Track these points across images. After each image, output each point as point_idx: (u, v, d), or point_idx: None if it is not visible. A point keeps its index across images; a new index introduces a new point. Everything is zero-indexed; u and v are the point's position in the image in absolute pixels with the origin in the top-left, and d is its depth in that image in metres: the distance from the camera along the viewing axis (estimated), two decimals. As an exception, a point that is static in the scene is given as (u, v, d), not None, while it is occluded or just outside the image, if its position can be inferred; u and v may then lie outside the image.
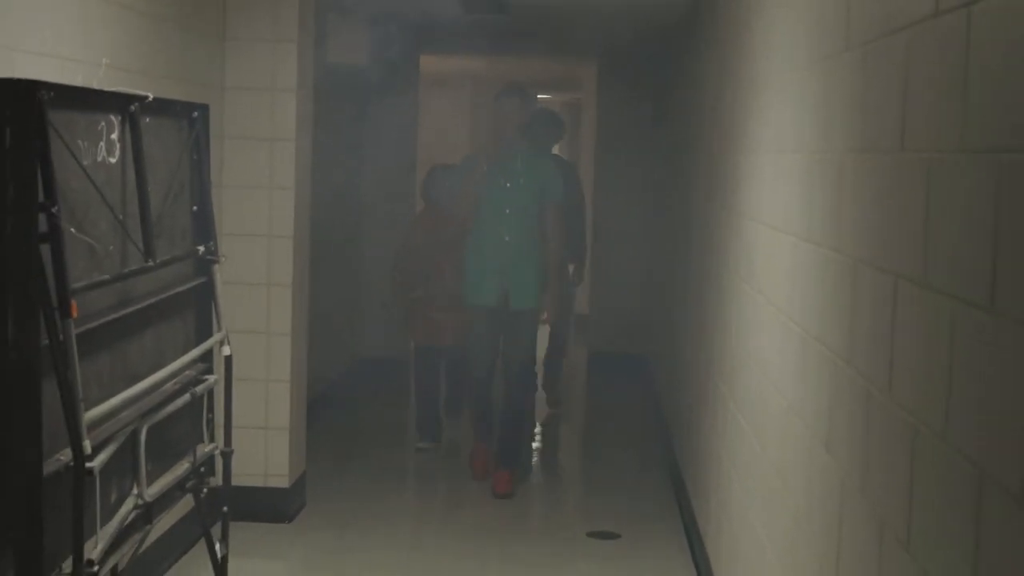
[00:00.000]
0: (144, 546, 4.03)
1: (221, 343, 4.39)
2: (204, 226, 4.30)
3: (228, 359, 4.41)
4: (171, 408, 3.90)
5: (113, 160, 3.47)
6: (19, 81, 2.87)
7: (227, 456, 4.44)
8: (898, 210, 2.19)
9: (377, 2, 7.52)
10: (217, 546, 4.41)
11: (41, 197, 2.87)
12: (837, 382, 2.65)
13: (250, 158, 5.63)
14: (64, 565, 3.08)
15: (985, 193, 1.73)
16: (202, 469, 4.27)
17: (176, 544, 5.16)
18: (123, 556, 3.60)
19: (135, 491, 3.60)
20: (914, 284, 2.08)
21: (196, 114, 4.24)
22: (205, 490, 4.30)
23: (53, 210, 2.88)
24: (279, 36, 5.64)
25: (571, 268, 8.46)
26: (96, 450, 3.14)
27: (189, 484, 4.15)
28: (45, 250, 2.91)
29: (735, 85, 4.71)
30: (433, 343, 7.38)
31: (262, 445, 5.76)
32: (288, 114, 5.67)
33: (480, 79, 13.47)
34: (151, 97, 3.69)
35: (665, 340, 7.77)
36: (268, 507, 5.75)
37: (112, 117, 3.46)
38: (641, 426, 8.19)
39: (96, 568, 3.11)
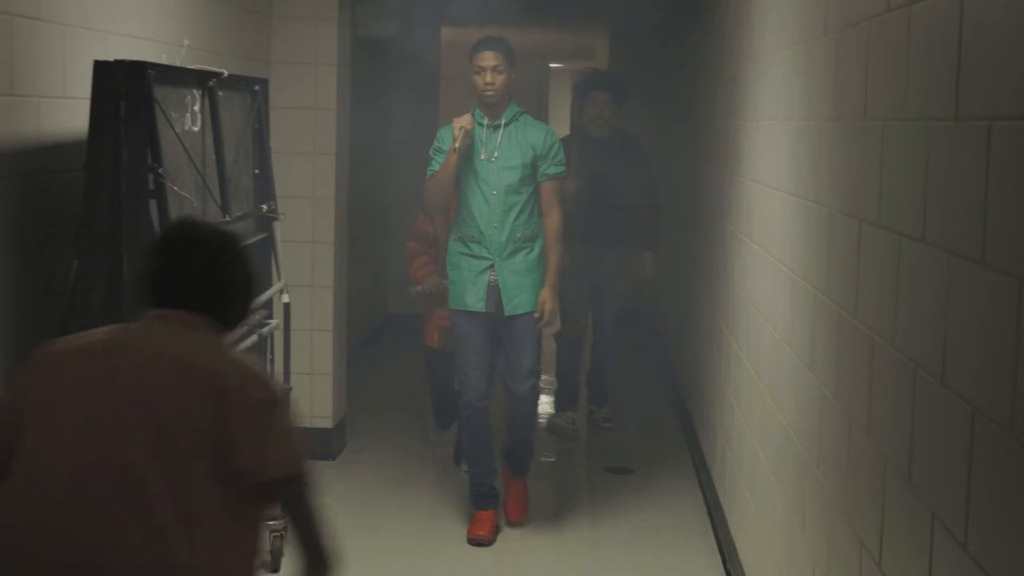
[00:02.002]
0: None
1: (281, 292, 4.94)
2: (265, 187, 4.85)
3: (287, 306, 4.97)
4: (241, 347, 4.45)
5: (196, 129, 4.01)
6: (132, 62, 3.42)
7: (287, 392, 5.00)
8: (860, 166, 2.73)
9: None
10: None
11: (150, 160, 3.42)
12: (817, 311, 3.20)
13: (295, 126, 6.16)
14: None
15: (920, 151, 2.27)
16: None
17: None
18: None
19: (215, 416, 4.15)
20: (872, 225, 2.62)
21: (258, 87, 4.78)
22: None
23: (159, 171, 3.43)
24: (320, 14, 6.18)
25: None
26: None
27: (255, 415, 4.71)
28: (152, 205, 3.46)
29: (737, 57, 5.23)
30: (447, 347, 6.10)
31: (308, 389, 6.30)
32: (329, 86, 6.22)
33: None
34: (226, 73, 4.24)
35: (675, 297, 8.27)
36: (314, 446, 6.31)
37: (195, 91, 4.00)
38: (652, 376, 8.73)
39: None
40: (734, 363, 4.92)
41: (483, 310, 5.29)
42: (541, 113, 14.89)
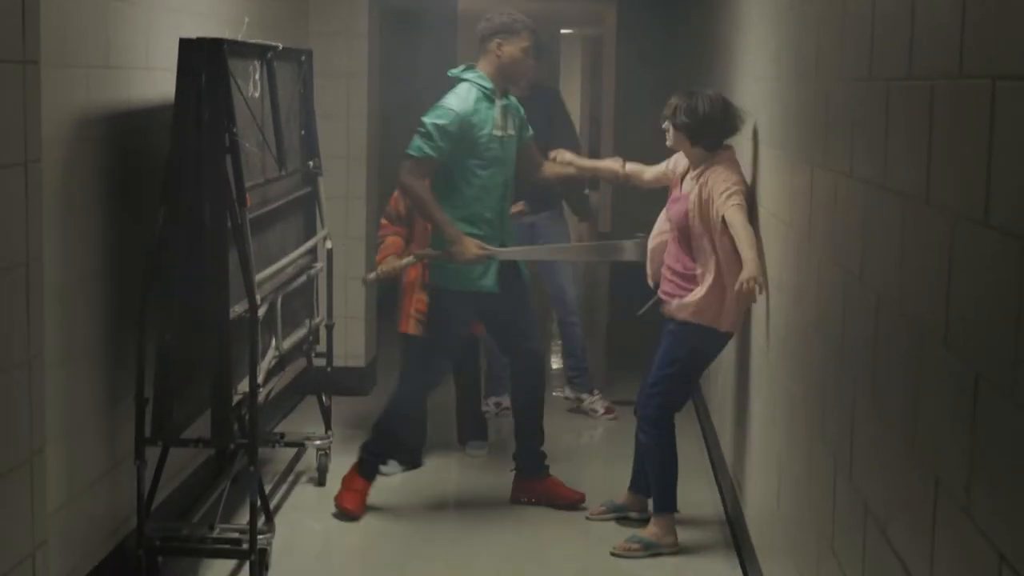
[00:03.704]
0: (275, 391, 5.29)
1: (324, 239, 5.60)
2: (310, 146, 5.49)
3: (329, 252, 5.64)
4: (294, 286, 5.11)
5: (256, 95, 4.66)
6: (211, 39, 4.08)
7: (330, 328, 5.68)
8: (820, 122, 3.37)
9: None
10: (322, 396, 5.68)
11: (226, 122, 4.07)
12: (801, 256, 3.81)
13: (331, 91, 6.80)
14: (240, 387, 4.31)
15: (873, 108, 2.90)
16: (311, 338, 5.50)
17: (284, 404, 6.46)
18: (268, 392, 4.84)
19: (273, 344, 4.81)
20: (840, 173, 3.25)
21: (304, 58, 5.42)
22: (314, 353, 5.55)
23: (234, 131, 4.08)
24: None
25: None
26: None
27: (304, 347, 5.39)
28: (227, 159, 4.11)
29: (732, 22, 5.84)
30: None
31: (343, 332, 6.94)
32: (361, 54, 6.87)
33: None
34: (280, 46, 4.88)
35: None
36: (349, 382, 6.94)
37: (256, 62, 4.65)
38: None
39: (260, 389, 4.34)
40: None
41: (496, 291, 5.20)
42: (553, 78, 15.46)
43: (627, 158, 5.43)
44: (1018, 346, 1.80)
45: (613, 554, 4.90)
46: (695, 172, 4.74)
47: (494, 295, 5.20)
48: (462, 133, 5.06)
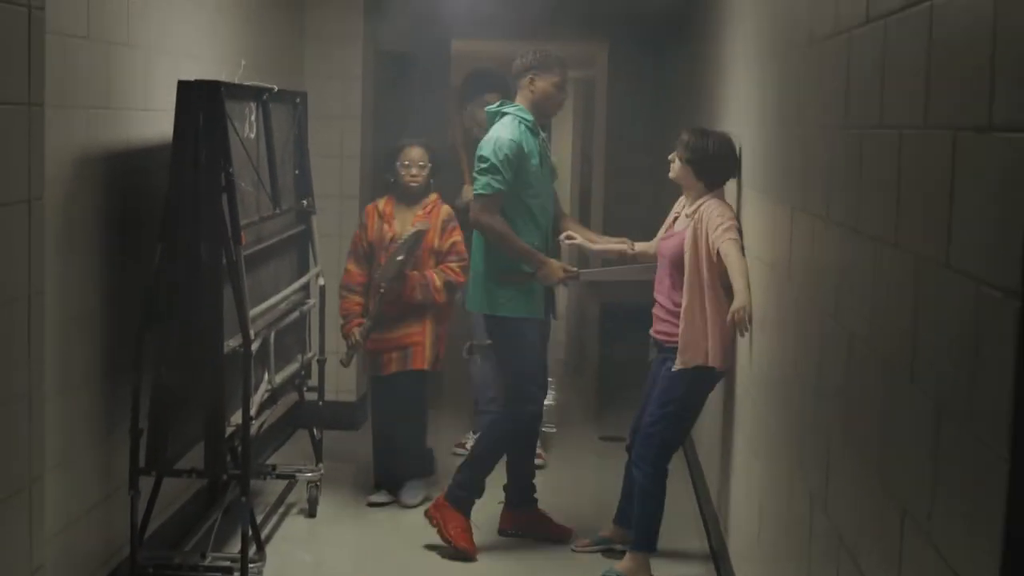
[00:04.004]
0: (267, 424, 5.38)
1: (317, 276, 5.70)
2: (304, 185, 5.60)
3: (322, 288, 5.73)
4: (287, 322, 5.21)
5: (252, 135, 4.77)
6: (208, 81, 4.20)
7: (321, 363, 5.77)
8: (800, 167, 3.49)
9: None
10: (313, 429, 5.77)
11: (223, 162, 4.18)
12: (781, 296, 3.93)
13: (326, 132, 6.92)
14: (233, 419, 4.40)
15: (848, 155, 3.02)
16: (303, 372, 5.59)
17: (276, 437, 6.53)
18: (260, 424, 4.92)
19: (266, 378, 4.91)
20: (818, 217, 3.37)
21: (299, 100, 5.54)
22: (306, 387, 5.64)
23: (230, 171, 4.20)
24: (348, 33, 6.96)
25: None
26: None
27: (296, 381, 5.48)
28: (223, 198, 4.22)
29: (719, 67, 5.98)
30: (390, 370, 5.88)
31: (334, 367, 6.98)
32: (355, 96, 7.00)
33: (503, 59, 14.68)
34: (276, 89, 5.00)
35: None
36: (338, 417, 7.01)
37: (252, 104, 4.76)
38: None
39: (253, 421, 4.43)
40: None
41: (543, 318, 5.42)
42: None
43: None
44: (974, 381, 1.91)
45: None
46: (691, 208, 4.85)
47: (540, 322, 5.38)
48: (518, 162, 5.20)
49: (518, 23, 10.58)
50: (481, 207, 5.19)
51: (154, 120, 4.62)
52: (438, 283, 5.68)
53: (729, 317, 4.42)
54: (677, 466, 6.32)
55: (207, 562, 4.47)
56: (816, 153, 3.25)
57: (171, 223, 4.21)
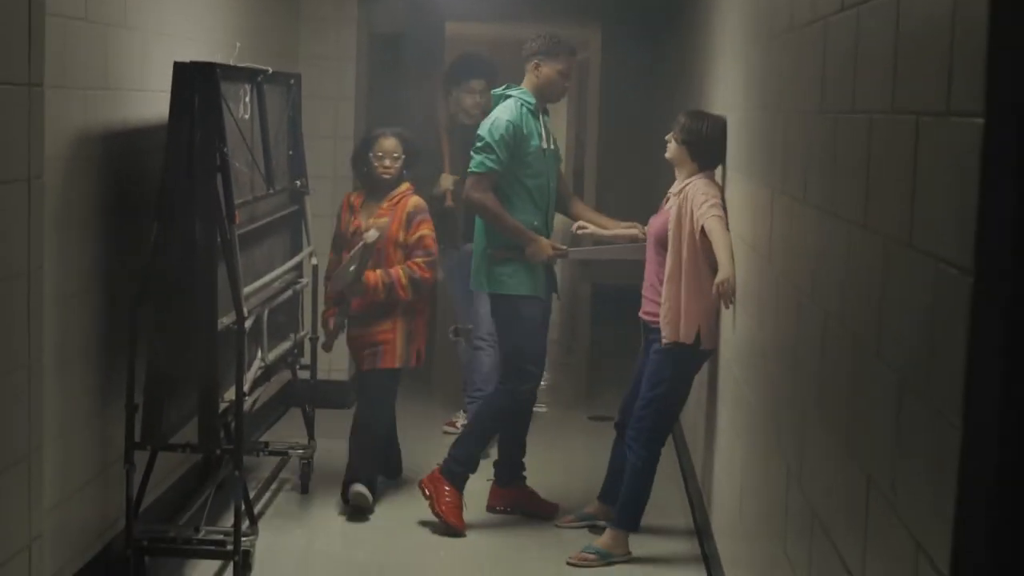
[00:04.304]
0: (260, 401, 5.47)
1: (310, 256, 5.79)
2: (298, 166, 5.67)
3: (315, 268, 5.82)
4: (280, 300, 5.29)
5: (246, 117, 4.85)
6: (204, 63, 4.28)
7: (314, 342, 5.86)
8: (779, 150, 3.58)
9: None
10: (305, 406, 5.86)
11: (218, 142, 4.26)
12: (762, 276, 4.02)
13: (320, 113, 6.99)
14: (226, 395, 4.49)
15: (824, 139, 3.10)
16: (296, 351, 5.68)
17: (269, 415, 6.63)
18: (253, 401, 5.02)
19: (259, 355, 4.99)
20: (796, 199, 3.46)
21: (293, 81, 5.62)
22: (299, 365, 5.73)
23: (225, 151, 4.28)
24: (342, 16, 7.03)
25: None
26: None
27: (289, 359, 5.57)
28: (218, 178, 4.30)
29: (707, 51, 6.06)
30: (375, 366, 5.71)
31: (327, 345, 7.13)
32: (349, 78, 7.09)
33: (496, 42, 14.76)
34: (270, 70, 5.07)
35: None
36: (330, 395, 7.09)
37: (246, 85, 4.84)
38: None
39: (246, 397, 4.53)
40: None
41: (544, 297, 5.51)
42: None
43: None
44: (933, 354, 2.00)
45: (569, 563, 5.08)
46: (678, 188, 4.93)
47: (541, 301, 5.48)
48: (516, 143, 5.33)
49: (512, 5, 10.66)
50: (473, 184, 5.36)
51: (151, 101, 4.70)
52: (404, 280, 5.49)
53: (714, 289, 4.51)
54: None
55: (201, 535, 4.56)
56: (795, 138, 3.34)
57: (166, 202, 4.29)
